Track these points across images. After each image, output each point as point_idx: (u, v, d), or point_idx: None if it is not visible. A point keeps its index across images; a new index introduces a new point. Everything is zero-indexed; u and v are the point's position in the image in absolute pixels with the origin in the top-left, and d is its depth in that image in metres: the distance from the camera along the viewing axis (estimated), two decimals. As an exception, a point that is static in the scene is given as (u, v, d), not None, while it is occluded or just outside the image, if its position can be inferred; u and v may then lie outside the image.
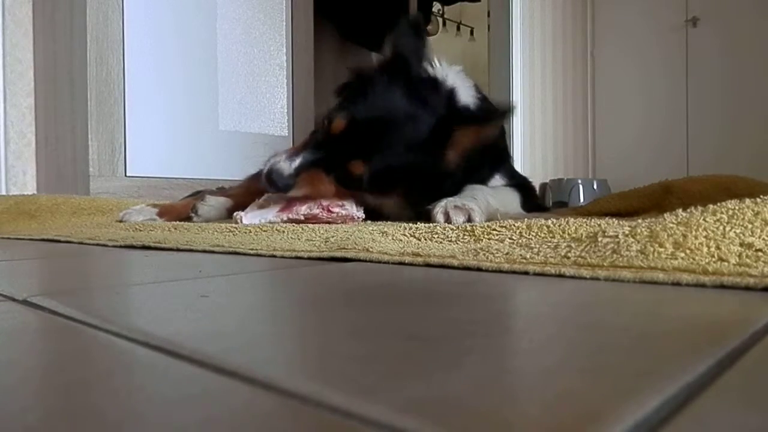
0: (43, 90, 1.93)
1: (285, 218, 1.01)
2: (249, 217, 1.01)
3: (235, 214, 1.04)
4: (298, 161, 1.02)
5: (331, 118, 1.04)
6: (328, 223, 1.01)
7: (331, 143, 1.03)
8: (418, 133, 1.02)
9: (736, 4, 3.40)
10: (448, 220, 0.90)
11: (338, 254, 0.56)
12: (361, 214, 1.05)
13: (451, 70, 1.11)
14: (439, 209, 0.93)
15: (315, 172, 1.03)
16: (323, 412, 0.17)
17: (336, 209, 1.02)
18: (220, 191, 1.29)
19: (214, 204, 1.19)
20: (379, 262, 0.53)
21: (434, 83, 1.07)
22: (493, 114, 1.10)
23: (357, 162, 1.01)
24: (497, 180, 1.18)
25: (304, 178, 1.02)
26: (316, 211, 1.02)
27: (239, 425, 0.16)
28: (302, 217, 1.01)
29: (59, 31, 1.84)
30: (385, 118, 1.02)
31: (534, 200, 1.33)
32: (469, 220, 0.90)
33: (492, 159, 1.17)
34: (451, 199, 0.97)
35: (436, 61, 1.10)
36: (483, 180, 1.13)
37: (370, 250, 0.55)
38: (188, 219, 1.16)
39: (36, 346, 0.27)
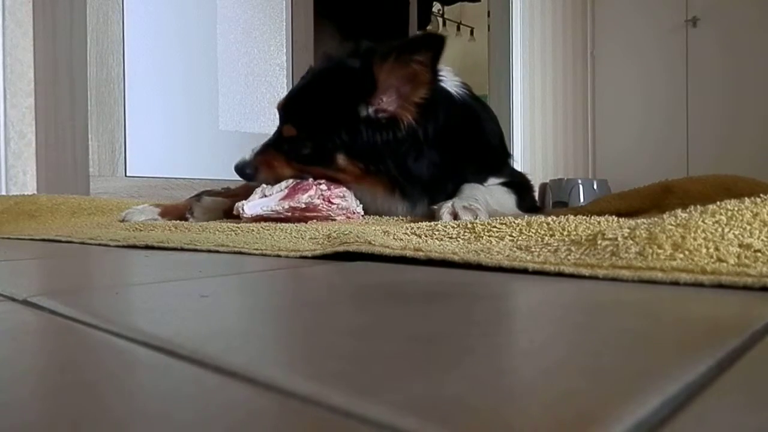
0: (43, 90, 1.93)
1: (287, 206, 1.01)
2: (251, 206, 1.00)
3: (236, 204, 1.04)
4: (257, 149, 1.11)
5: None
6: (328, 218, 1.01)
7: (279, 122, 1.11)
8: (338, 86, 1.03)
9: (736, 4, 3.40)
10: (456, 219, 0.90)
11: (341, 249, 0.56)
12: (360, 210, 1.05)
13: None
14: (445, 209, 0.93)
15: (269, 154, 1.10)
16: (323, 412, 0.17)
17: (336, 200, 1.02)
18: (226, 191, 1.29)
19: (210, 205, 1.19)
20: (381, 255, 0.53)
21: None
22: (414, 40, 1.05)
23: (288, 126, 1.07)
24: (493, 180, 1.17)
25: (260, 161, 1.10)
26: (317, 201, 1.01)
27: (239, 425, 0.16)
28: (303, 205, 1.00)
29: (59, 31, 1.84)
30: (311, 84, 1.09)
31: (530, 200, 1.32)
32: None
33: (489, 161, 1.17)
34: (457, 199, 0.97)
35: None
36: (479, 180, 1.12)
37: (373, 243, 0.55)
38: (186, 220, 1.16)
39: (36, 346, 0.27)
